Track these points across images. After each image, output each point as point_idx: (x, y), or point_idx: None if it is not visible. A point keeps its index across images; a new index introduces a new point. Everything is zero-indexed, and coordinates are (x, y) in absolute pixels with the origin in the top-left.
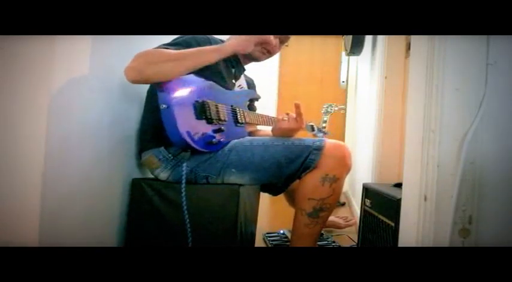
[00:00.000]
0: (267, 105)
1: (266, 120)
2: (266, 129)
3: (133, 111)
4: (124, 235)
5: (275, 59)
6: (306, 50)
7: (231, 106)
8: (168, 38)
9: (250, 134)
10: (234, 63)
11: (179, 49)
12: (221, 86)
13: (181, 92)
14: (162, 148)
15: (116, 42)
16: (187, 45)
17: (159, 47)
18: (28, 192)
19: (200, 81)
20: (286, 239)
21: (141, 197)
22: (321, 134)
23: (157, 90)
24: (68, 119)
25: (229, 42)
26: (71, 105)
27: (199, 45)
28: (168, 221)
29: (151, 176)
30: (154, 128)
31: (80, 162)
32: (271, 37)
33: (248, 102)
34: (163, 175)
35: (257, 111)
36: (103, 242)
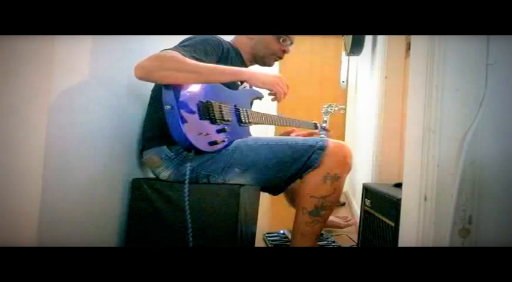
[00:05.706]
0: (267, 105)
1: (271, 119)
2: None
3: (134, 110)
4: (124, 235)
5: None
6: (306, 50)
7: (235, 106)
8: (168, 38)
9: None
10: (238, 63)
11: (196, 54)
12: (225, 85)
13: (186, 93)
14: (165, 147)
15: (116, 42)
16: (204, 50)
17: (177, 47)
18: (28, 192)
19: None
20: (286, 239)
21: (141, 197)
22: (324, 132)
23: (162, 90)
24: (68, 119)
25: (254, 75)
26: (71, 105)
27: (213, 49)
28: (168, 220)
29: (152, 175)
30: (157, 127)
31: (80, 162)
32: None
33: (253, 101)
34: (164, 174)
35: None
36: (103, 242)
